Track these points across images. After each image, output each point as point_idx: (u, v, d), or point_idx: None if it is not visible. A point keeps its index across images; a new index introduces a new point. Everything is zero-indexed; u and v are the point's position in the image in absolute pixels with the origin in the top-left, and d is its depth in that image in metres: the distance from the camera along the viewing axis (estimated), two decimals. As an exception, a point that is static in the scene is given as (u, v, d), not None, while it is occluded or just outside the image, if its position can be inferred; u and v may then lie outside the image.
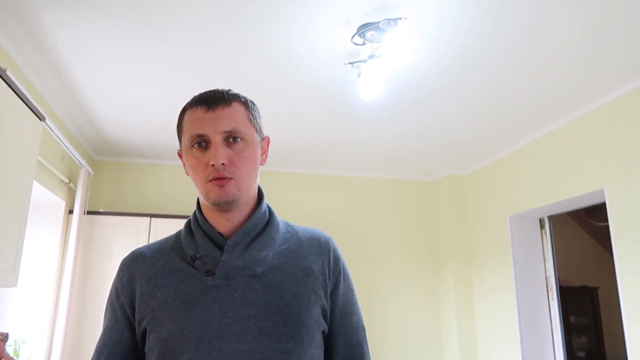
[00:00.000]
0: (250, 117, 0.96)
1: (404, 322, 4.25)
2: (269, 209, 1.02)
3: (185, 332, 0.86)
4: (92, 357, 0.98)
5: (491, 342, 3.83)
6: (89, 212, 3.63)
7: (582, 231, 5.15)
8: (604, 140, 2.83)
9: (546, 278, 3.65)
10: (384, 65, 2.26)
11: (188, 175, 0.97)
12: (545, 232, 3.71)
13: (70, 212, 3.53)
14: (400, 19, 2.04)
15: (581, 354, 4.63)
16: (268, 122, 3.26)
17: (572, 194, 3.05)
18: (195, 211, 1.01)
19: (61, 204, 3.45)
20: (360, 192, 4.48)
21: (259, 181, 1.02)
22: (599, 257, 5.01)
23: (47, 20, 2.11)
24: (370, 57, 2.25)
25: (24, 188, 2.08)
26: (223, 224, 0.95)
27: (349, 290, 1.03)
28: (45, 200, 3.36)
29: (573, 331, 4.62)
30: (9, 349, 2.91)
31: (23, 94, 1.98)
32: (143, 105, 3.04)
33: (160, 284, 0.93)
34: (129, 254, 1.02)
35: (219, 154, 0.88)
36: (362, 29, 2.10)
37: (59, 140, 2.95)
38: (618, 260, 2.68)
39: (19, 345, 2.98)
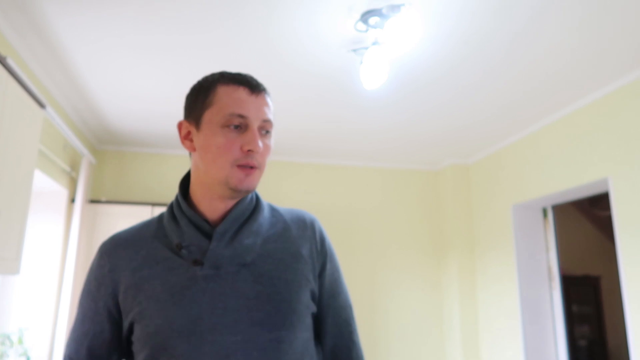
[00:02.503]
0: (273, 110, 0.98)
1: (407, 312, 4.26)
2: (256, 194, 0.99)
3: (176, 325, 0.84)
4: (68, 345, 0.94)
5: (493, 331, 3.84)
6: (92, 201, 3.64)
7: (585, 221, 5.13)
8: (608, 129, 2.81)
9: (549, 267, 3.65)
10: (387, 52, 2.24)
11: (191, 150, 0.91)
12: (548, 222, 3.70)
13: (73, 201, 3.53)
14: (403, 5, 2.01)
15: (583, 342, 4.64)
16: (275, 110, 3.24)
17: (576, 183, 3.04)
18: (177, 196, 0.95)
19: (63, 193, 3.45)
20: (364, 182, 4.47)
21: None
22: (602, 247, 5.01)
23: (49, 9, 2.09)
24: (374, 43, 2.23)
25: (26, 176, 2.08)
26: (216, 211, 0.91)
27: (335, 270, 1.02)
28: (48, 189, 3.37)
29: (575, 320, 4.63)
30: (13, 336, 2.93)
31: (24, 81, 1.97)
32: (146, 95, 3.02)
33: (146, 275, 0.88)
34: (108, 241, 0.95)
35: (259, 142, 0.86)
36: (366, 16, 2.08)
37: (60, 129, 2.94)
38: (621, 249, 2.67)
39: (23, 333, 2.99)
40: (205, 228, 0.90)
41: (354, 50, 2.36)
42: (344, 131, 3.65)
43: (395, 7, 2.01)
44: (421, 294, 4.32)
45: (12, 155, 1.93)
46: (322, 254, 0.99)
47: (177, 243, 0.89)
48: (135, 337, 0.89)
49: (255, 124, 0.87)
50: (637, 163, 2.61)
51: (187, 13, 2.13)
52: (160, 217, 0.97)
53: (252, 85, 0.89)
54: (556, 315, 3.55)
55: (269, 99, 0.92)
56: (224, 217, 0.91)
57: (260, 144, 0.86)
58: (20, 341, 2.93)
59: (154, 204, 3.69)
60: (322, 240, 1.00)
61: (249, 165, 0.87)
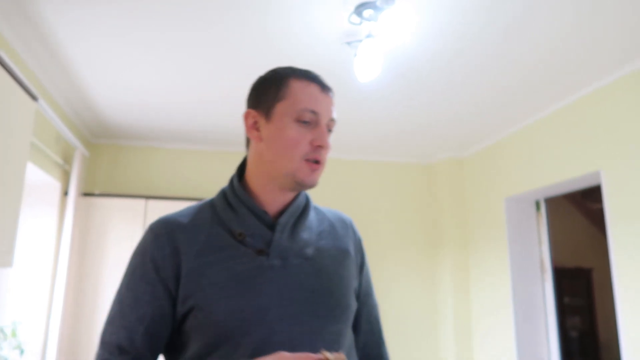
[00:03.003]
0: None
1: (400, 305, 4.29)
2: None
3: (245, 314, 0.83)
4: (115, 333, 0.87)
5: (486, 323, 3.87)
6: (85, 194, 3.63)
7: (578, 213, 5.17)
8: (600, 123, 2.83)
9: (541, 260, 3.68)
10: (381, 44, 2.23)
11: (257, 140, 0.91)
12: (541, 215, 3.73)
13: (66, 194, 3.52)
14: (397, -3, 2.01)
15: (574, 334, 4.69)
16: (264, 103, 3.24)
17: (568, 176, 3.06)
18: (233, 184, 0.95)
19: (56, 186, 3.44)
20: (358, 175, 4.47)
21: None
22: (594, 239, 5.05)
23: (42, 0, 2.07)
24: (367, 36, 2.22)
25: (18, 169, 2.07)
26: (275, 202, 0.92)
27: (368, 269, 1.07)
28: (41, 182, 3.35)
29: (567, 312, 4.68)
30: (7, 329, 2.93)
31: (15, 73, 1.96)
32: (140, 88, 3.01)
33: (210, 261, 0.86)
34: (163, 222, 0.91)
35: (327, 139, 0.89)
36: (360, 8, 2.07)
37: (53, 122, 2.92)
38: (612, 241, 2.69)
39: (16, 326, 2.99)
40: (266, 218, 0.90)
41: (348, 43, 2.36)
42: (338, 124, 3.65)
43: (389, 0, 2.00)
44: (415, 287, 4.35)
45: (4, 148, 1.92)
46: (360, 253, 1.03)
47: (240, 231, 0.89)
48: (190, 325, 0.86)
49: (324, 121, 0.90)
50: (628, 156, 2.63)
51: (182, 6, 2.12)
52: (212, 204, 0.95)
53: (322, 84, 0.92)
54: (548, 307, 3.59)
55: (334, 99, 0.96)
56: (281, 209, 0.93)
57: (328, 140, 0.90)
58: (14, 334, 2.93)
59: (148, 197, 3.68)
60: (360, 239, 1.05)
61: (316, 160, 0.89)
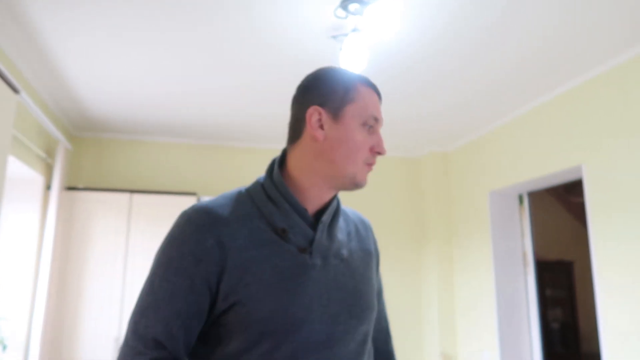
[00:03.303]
0: None
1: (386, 297, 4.32)
2: None
3: (290, 312, 0.83)
4: (151, 326, 0.83)
5: (470, 315, 3.93)
6: (68, 188, 3.58)
7: (560, 207, 5.25)
8: (583, 118, 2.87)
9: (524, 253, 3.74)
10: (366, 39, 2.24)
11: (318, 139, 0.89)
12: (524, 208, 3.78)
13: (49, 188, 3.48)
14: (383, -8, 2.01)
15: (555, 325, 4.78)
16: (250, 95, 3.23)
17: (551, 170, 3.11)
18: (273, 178, 0.91)
19: (39, 180, 3.39)
20: (343, 169, 4.48)
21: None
22: (575, 232, 5.14)
23: (19, -12, 2.04)
24: (353, 30, 2.23)
25: None
26: (319, 201, 0.92)
27: (379, 270, 1.10)
28: (23, 176, 3.30)
29: (548, 304, 4.76)
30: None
31: (-4, 65, 1.92)
32: (125, 81, 2.98)
33: (254, 257, 0.84)
34: (203, 213, 0.86)
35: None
36: (345, 2, 2.07)
37: (35, 115, 2.88)
38: (593, 235, 2.75)
39: (-1, 322, 2.96)
40: (307, 216, 0.89)
41: (334, 37, 2.36)
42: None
43: (374, -6, 2.01)
44: (400, 279, 4.39)
45: (-15, 141, 1.89)
46: (377, 254, 1.06)
47: (283, 227, 0.87)
48: (230, 321, 0.84)
49: (380, 129, 0.96)
50: (609, 151, 2.68)
51: (164, -3, 2.10)
52: (250, 196, 0.92)
53: (379, 94, 0.96)
54: (530, 299, 3.65)
55: None
56: (318, 208, 0.93)
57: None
58: (-3, 330, 2.90)
59: (132, 191, 3.65)
60: (376, 241, 1.08)
61: (372, 165, 0.92)
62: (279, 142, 4.29)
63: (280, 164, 0.95)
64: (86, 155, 4.01)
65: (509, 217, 3.78)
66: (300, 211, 0.89)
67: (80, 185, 3.83)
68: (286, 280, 0.84)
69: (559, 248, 5.00)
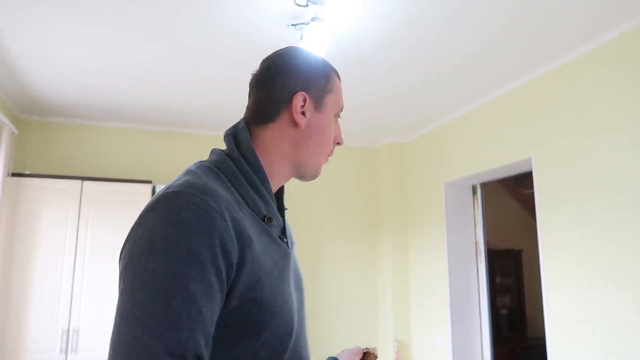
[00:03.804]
0: None
1: (342, 285, 4.38)
2: None
3: (291, 306, 0.80)
4: (193, 337, 0.64)
5: (423, 302, 4.03)
6: (14, 174, 3.41)
7: (511, 198, 5.46)
8: (533, 112, 2.98)
9: (476, 242, 3.86)
10: (327, 28, 2.23)
11: (300, 126, 0.85)
12: (477, 199, 3.90)
13: (-8, 173, 3.30)
14: (344, -19, 2.00)
15: (504, 311, 4.98)
16: (207, 81, 3.16)
17: (503, 162, 3.21)
18: (249, 160, 0.83)
19: (-19, 165, 3.21)
20: (302, 158, 4.48)
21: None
22: (525, 223, 5.35)
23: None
24: (313, 19, 2.21)
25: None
26: (275, 187, 0.89)
27: None
28: (-37, 161, 3.12)
29: (498, 291, 4.95)
30: None
31: None
32: (75, 63, 2.84)
33: (259, 247, 0.76)
34: (211, 195, 0.72)
35: None
36: (306, -10, 2.05)
37: (-24, 96, 2.71)
38: (540, 225, 2.87)
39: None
40: (275, 203, 0.86)
41: (294, 25, 2.34)
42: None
43: (335, -16, 2.00)
44: (356, 268, 4.45)
45: None
46: None
47: (269, 216, 0.82)
48: (238, 320, 0.73)
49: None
50: (557, 145, 2.80)
51: (118, -24, 2.01)
52: (228, 178, 0.80)
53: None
54: (481, 286, 3.79)
55: None
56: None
57: None
58: None
59: (84, 178, 3.52)
60: None
61: (330, 156, 0.91)
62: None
63: (248, 143, 0.87)
64: (33, 140, 3.83)
65: (463, 207, 3.89)
66: (274, 198, 0.86)
67: (27, 172, 3.66)
68: (281, 272, 0.80)
69: (508, 237, 5.20)
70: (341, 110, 0.92)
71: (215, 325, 0.70)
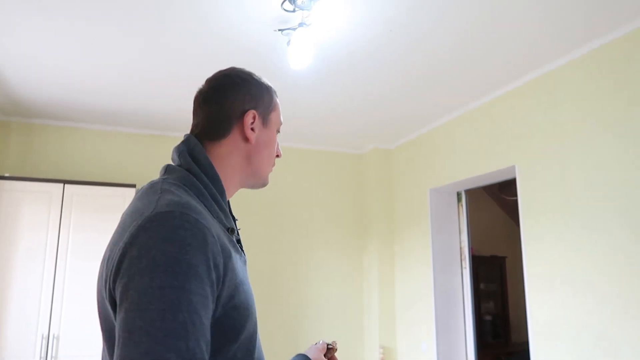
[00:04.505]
0: None
1: (329, 290, 4.36)
2: None
3: (254, 306, 0.86)
4: (198, 349, 0.68)
5: (409, 308, 4.04)
6: (-7, 177, 3.34)
7: (495, 205, 5.51)
8: (516, 120, 3.02)
9: (460, 248, 3.88)
10: (314, 34, 2.23)
11: (250, 141, 0.94)
12: (462, 205, 3.93)
13: (-29, 176, 3.22)
14: (331, -13, 2.01)
15: (488, 317, 5.01)
16: (192, 85, 3.14)
17: (487, 169, 3.24)
18: (209, 175, 0.87)
19: (-41, 167, 3.14)
20: (289, 163, 4.47)
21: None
22: (508, 229, 5.40)
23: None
24: (300, 25, 2.21)
25: None
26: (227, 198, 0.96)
27: None
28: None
29: (482, 297, 4.98)
30: None
31: None
32: (57, 63, 2.80)
33: (232, 257, 0.80)
34: (197, 211, 0.77)
35: None
36: (293, -5, 2.05)
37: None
38: (524, 232, 2.89)
39: None
40: (231, 216, 0.93)
41: (281, 31, 2.34)
42: (271, 112, 3.62)
43: (322, -11, 2.00)
44: (343, 273, 4.44)
45: None
46: None
47: (231, 228, 0.88)
48: (231, 325, 0.78)
49: None
50: (540, 153, 2.83)
51: (102, -22, 1.99)
52: (196, 193, 0.85)
53: None
54: (465, 292, 3.80)
55: None
56: None
57: None
58: None
59: (66, 182, 3.46)
60: None
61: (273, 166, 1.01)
62: (224, 134, 4.21)
63: (206, 158, 0.91)
64: (13, 141, 3.76)
65: (448, 213, 3.91)
66: (230, 211, 0.94)
67: (6, 174, 3.58)
68: (245, 280, 0.87)
69: (492, 244, 5.24)
70: (280, 126, 1.02)
71: (222, 330, 0.78)
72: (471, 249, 3.92)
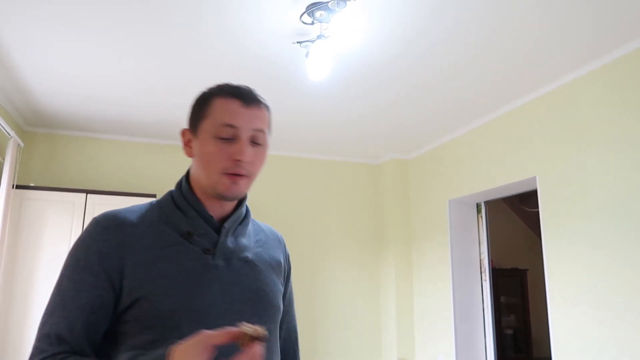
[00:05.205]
0: (270, 122, 1.02)
1: (345, 303, 4.34)
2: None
3: (193, 306, 0.88)
4: (56, 323, 0.87)
5: (427, 320, 3.99)
6: (18, 187, 3.42)
7: (515, 216, 5.42)
8: (537, 131, 2.98)
9: (480, 260, 3.83)
10: (332, 46, 2.25)
11: (190, 156, 0.99)
12: (482, 217, 3.88)
13: (-3, 185, 3.31)
14: (350, 0, 2.02)
15: (509, 331, 4.91)
16: (213, 98, 3.18)
17: (507, 181, 3.20)
18: (182, 188, 0.99)
19: (-13, 177, 3.23)
20: (307, 173, 4.48)
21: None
22: (529, 241, 5.31)
23: (-31, -25, 1.93)
24: (319, 37, 2.23)
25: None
26: (216, 209, 0.98)
27: (291, 284, 1.19)
28: (-31, 173, 3.13)
29: (502, 310, 4.90)
30: None
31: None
32: (80, 76, 2.87)
33: (160, 255, 0.91)
34: (110, 216, 0.95)
35: (247, 152, 0.93)
36: (311, 8, 2.07)
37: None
38: (545, 244, 2.84)
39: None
40: (213, 222, 0.97)
41: (299, 43, 2.36)
42: (288, 122, 3.64)
43: (341, 2, 2.02)
44: (359, 285, 4.41)
45: None
46: (288, 267, 1.15)
47: (189, 231, 0.95)
48: (134, 316, 0.88)
49: (245, 135, 0.94)
50: (561, 163, 2.78)
51: (126, -7, 2.04)
52: (160, 205, 1.00)
53: (246, 98, 0.96)
54: (486, 305, 3.74)
55: (265, 111, 0.99)
56: (223, 216, 1.00)
57: (248, 153, 0.93)
58: None
59: (88, 191, 3.52)
60: (288, 255, 1.17)
61: (237, 174, 0.93)
62: (242, 145, 4.24)
63: (188, 175, 1.04)
64: (38, 152, 3.85)
65: (467, 225, 3.86)
66: (206, 217, 0.97)
67: (32, 184, 3.67)
68: (190, 277, 0.90)
69: (513, 256, 5.15)
70: (230, 126, 0.93)
71: (117, 322, 0.90)
72: (491, 261, 3.86)
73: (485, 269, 3.78)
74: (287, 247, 1.18)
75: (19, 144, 3.46)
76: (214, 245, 0.95)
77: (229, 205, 1.01)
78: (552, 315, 2.75)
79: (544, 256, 2.84)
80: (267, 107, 1.00)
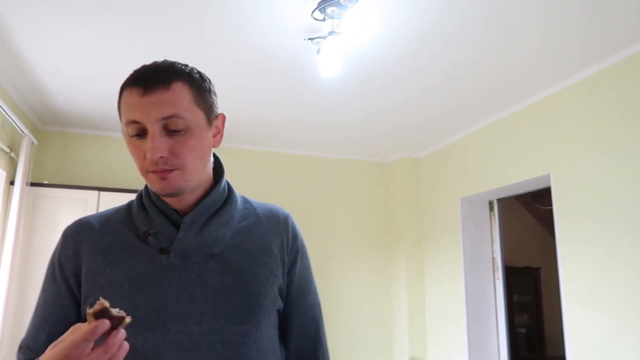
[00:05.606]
0: (197, 97, 0.83)
1: (357, 300, 4.33)
2: (228, 185, 0.97)
3: (139, 313, 0.81)
4: (27, 333, 0.91)
5: (439, 319, 3.96)
6: (33, 184, 3.46)
7: (528, 214, 5.37)
8: (551, 128, 2.94)
9: (493, 258, 3.80)
10: (343, 42, 2.23)
11: None
12: (494, 215, 3.84)
13: (12, 183, 3.35)
14: (361, -5, 2.01)
15: (522, 330, 4.87)
16: (226, 95, 3.18)
17: (520, 178, 3.16)
18: (146, 185, 0.91)
19: (2, 175, 3.26)
20: (318, 172, 4.48)
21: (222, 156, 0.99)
22: (543, 240, 5.26)
23: (-16, -26, 1.95)
24: (330, 33, 2.22)
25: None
26: (179, 203, 0.89)
27: (306, 268, 1.02)
28: (-16, 170, 3.17)
29: (515, 309, 4.85)
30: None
31: (-44, 54, 1.84)
32: (93, 74, 2.89)
33: (109, 261, 0.87)
34: (74, 223, 0.95)
35: (156, 146, 0.78)
36: (323, 4, 2.06)
37: (-2, 107, 2.77)
38: (560, 242, 2.80)
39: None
40: (174, 217, 0.88)
41: (311, 39, 2.35)
42: (299, 120, 3.64)
43: (353, -2, 2.00)
44: (371, 283, 4.40)
45: (-58, 133, 1.80)
46: (293, 251, 0.98)
47: (143, 230, 0.89)
48: None
49: (153, 128, 0.79)
50: (576, 161, 2.74)
51: (138, -9, 2.04)
52: (130, 204, 0.97)
53: (145, 83, 0.79)
54: (498, 304, 3.71)
55: (177, 89, 0.81)
56: (187, 208, 0.89)
57: (160, 147, 0.79)
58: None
59: (101, 189, 3.55)
60: (295, 236, 0.99)
61: (159, 171, 0.81)
62: (253, 143, 4.25)
63: None
64: (52, 150, 3.89)
65: (480, 223, 3.83)
66: (167, 213, 0.89)
67: (45, 181, 3.71)
68: (138, 282, 0.85)
69: (526, 254, 5.10)
70: (133, 122, 0.80)
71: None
72: (504, 260, 3.83)
73: (497, 268, 3.75)
74: (295, 226, 1.01)
75: (33, 142, 3.49)
76: (172, 243, 0.87)
77: (192, 197, 0.89)
78: (566, 315, 2.71)
79: (558, 255, 2.80)
80: (185, 79, 0.83)
